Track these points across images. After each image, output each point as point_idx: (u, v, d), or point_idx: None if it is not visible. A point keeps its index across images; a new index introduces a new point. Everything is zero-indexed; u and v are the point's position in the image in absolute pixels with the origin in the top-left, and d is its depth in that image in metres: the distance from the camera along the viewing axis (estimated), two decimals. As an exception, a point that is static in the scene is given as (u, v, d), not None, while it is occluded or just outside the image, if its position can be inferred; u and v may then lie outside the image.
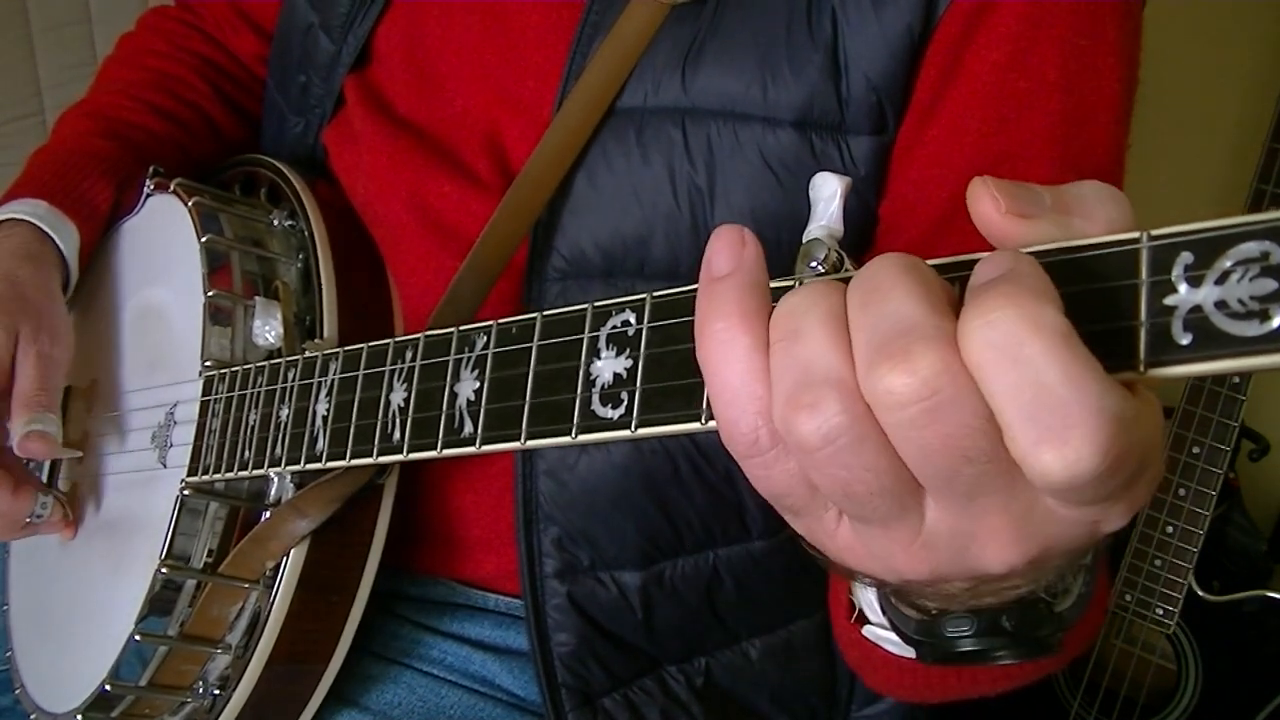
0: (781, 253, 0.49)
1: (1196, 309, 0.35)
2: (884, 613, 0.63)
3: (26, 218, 0.96)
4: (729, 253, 0.45)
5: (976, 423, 0.39)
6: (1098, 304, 0.37)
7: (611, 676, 0.92)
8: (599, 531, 0.89)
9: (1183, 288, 0.36)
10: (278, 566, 0.83)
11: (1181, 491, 1.69)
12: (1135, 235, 0.37)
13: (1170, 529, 1.70)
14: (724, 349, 0.44)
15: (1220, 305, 0.35)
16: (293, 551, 0.83)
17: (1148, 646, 1.79)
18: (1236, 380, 1.64)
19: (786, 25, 0.79)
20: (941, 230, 0.80)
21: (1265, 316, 0.34)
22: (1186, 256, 0.36)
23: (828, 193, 0.48)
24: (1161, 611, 1.73)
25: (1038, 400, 0.37)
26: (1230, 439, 1.66)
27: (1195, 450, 1.67)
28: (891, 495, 0.43)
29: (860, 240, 0.84)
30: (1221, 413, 1.65)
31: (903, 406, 0.39)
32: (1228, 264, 0.35)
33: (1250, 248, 0.34)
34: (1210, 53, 1.93)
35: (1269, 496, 1.93)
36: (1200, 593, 1.72)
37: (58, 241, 0.97)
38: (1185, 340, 0.35)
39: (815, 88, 0.79)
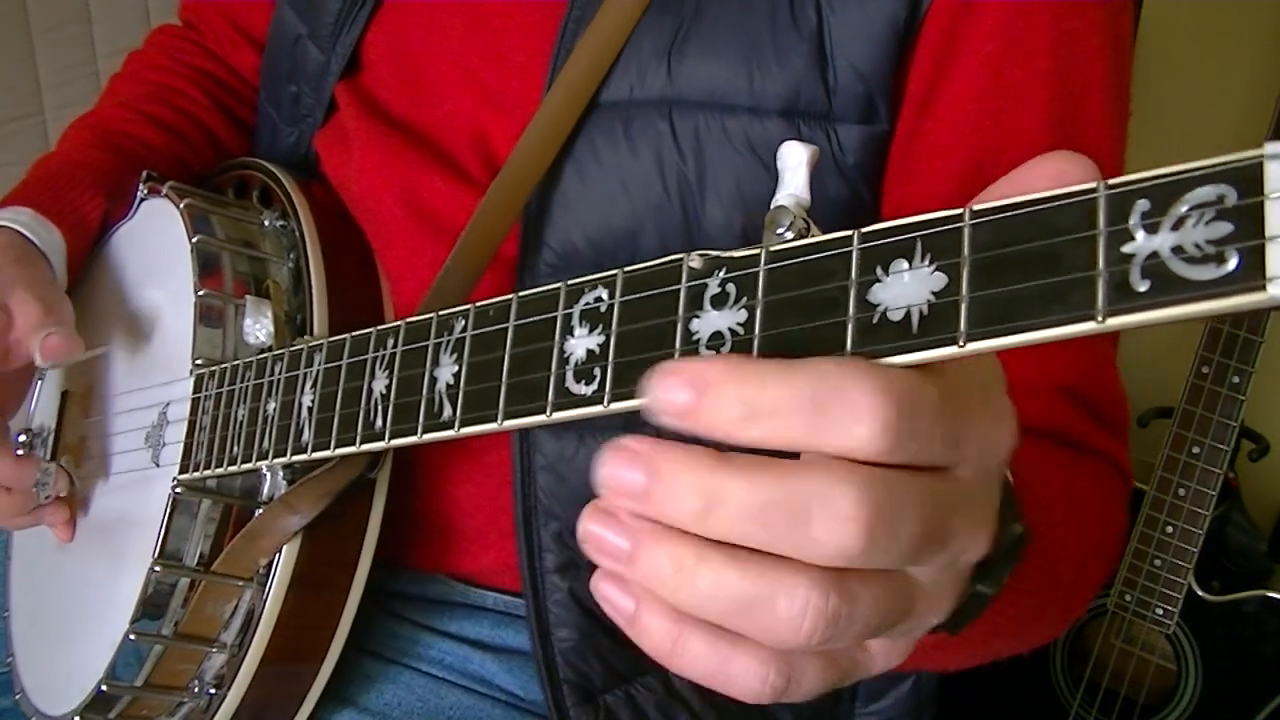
0: None
1: (1154, 255, 0.35)
2: None
3: (9, 224, 0.97)
4: (620, 596, 0.45)
5: (913, 484, 0.41)
6: (1056, 256, 0.37)
7: (613, 673, 0.92)
8: None
9: (1140, 235, 0.35)
10: (270, 564, 0.83)
11: (1181, 491, 1.68)
12: (1092, 185, 0.37)
13: (1170, 529, 1.69)
14: (692, 658, 0.44)
15: (1177, 250, 0.35)
16: (285, 548, 0.83)
17: (1148, 646, 1.78)
18: (1236, 380, 1.64)
19: (770, 14, 0.80)
20: None
21: (1221, 260, 0.34)
22: (1143, 204, 0.35)
23: (794, 161, 0.48)
24: (1161, 611, 1.73)
25: (812, 411, 0.40)
26: (1230, 439, 1.65)
27: (1195, 450, 1.67)
28: (898, 594, 0.44)
29: (850, 229, 0.84)
30: (1221, 413, 1.65)
31: (874, 542, 0.40)
32: (1184, 209, 0.35)
33: (1206, 191, 0.34)
34: (1210, 53, 1.94)
35: (1269, 496, 1.93)
36: (1200, 593, 1.71)
37: (41, 246, 0.97)
38: (1143, 288, 0.35)
39: (801, 77, 0.79)
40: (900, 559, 0.42)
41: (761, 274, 0.46)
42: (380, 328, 0.67)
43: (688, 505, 0.41)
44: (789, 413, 0.40)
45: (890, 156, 0.82)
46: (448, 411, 0.59)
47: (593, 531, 0.45)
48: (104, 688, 0.85)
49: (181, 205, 0.93)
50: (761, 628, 0.42)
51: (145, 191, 1.01)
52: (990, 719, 1.85)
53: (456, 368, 0.59)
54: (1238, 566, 1.74)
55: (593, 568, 0.88)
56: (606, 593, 0.46)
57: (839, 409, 0.39)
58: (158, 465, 0.91)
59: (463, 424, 0.58)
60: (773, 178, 0.80)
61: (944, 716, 1.10)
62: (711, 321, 0.47)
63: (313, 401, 0.72)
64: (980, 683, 1.82)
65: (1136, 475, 1.72)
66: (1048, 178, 0.40)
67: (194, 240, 0.90)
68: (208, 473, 0.83)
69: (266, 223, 0.94)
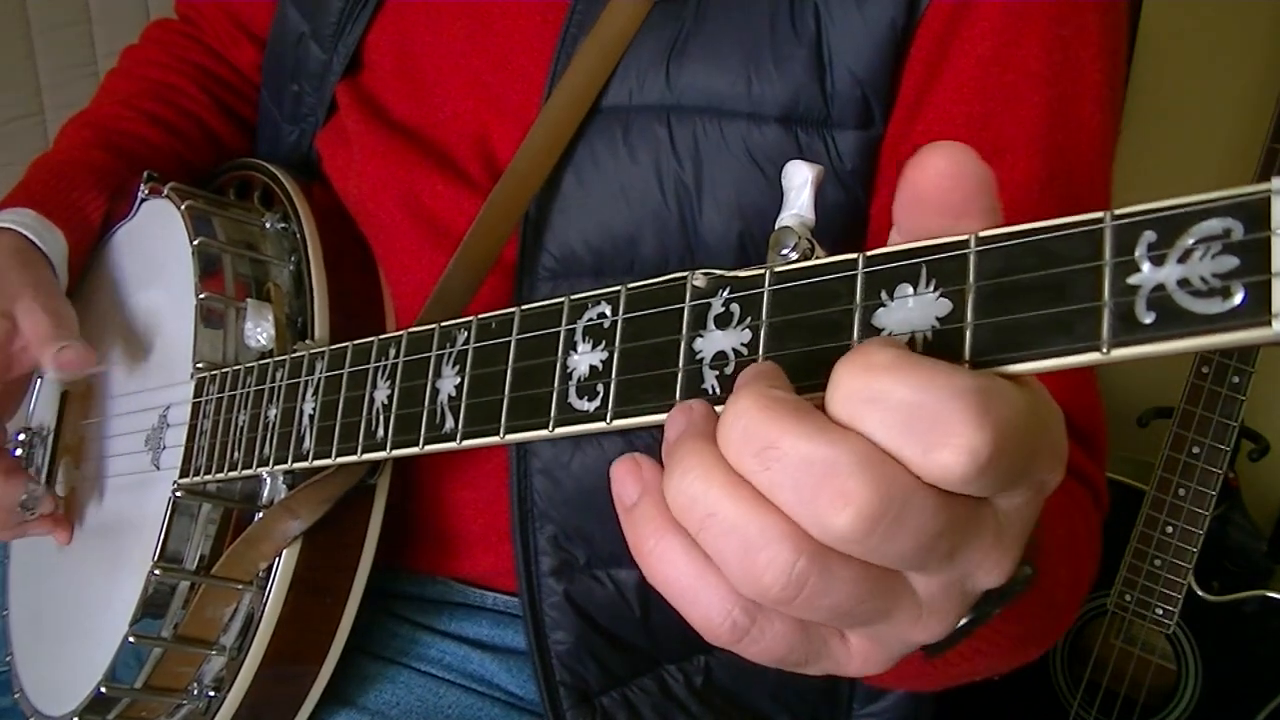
0: None
1: (1159, 288, 0.35)
2: None
3: (12, 226, 0.96)
4: (630, 480, 0.45)
5: (934, 503, 0.39)
6: (1062, 285, 0.37)
7: (610, 675, 0.92)
8: (595, 529, 0.88)
9: (1146, 267, 0.35)
10: (270, 567, 0.83)
11: (1181, 491, 1.68)
12: (1099, 215, 0.37)
13: (1170, 529, 1.70)
14: (665, 561, 0.44)
15: (1183, 283, 0.35)
16: (285, 552, 0.82)
17: (1148, 646, 1.79)
18: (1236, 380, 1.64)
19: (770, 21, 0.79)
20: None
21: (1227, 294, 0.34)
22: (1149, 235, 0.35)
23: (799, 180, 0.48)
24: (1161, 611, 1.73)
25: (907, 419, 0.38)
26: (1230, 439, 1.65)
27: (1195, 450, 1.67)
28: (878, 590, 0.43)
29: (851, 236, 0.84)
30: (1221, 413, 1.65)
31: (866, 538, 0.39)
32: (1190, 242, 0.34)
33: (1213, 225, 0.34)
34: (1210, 52, 1.94)
35: (1269, 496, 1.93)
36: (1200, 593, 1.71)
37: (44, 249, 0.97)
38: (1149, 320, 0.35)
39: (800, 83, 0.79)
40: (895, 561, 0.41)
41: (766, 295, 0.45)
42: (382, 337, 0.67)
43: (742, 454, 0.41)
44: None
45: (880, 158, 0.82)
46: (450, 423, 0.59)
47: (673, 412, 0.45)
48: (103, 689, 0.85)
49: (183, 207, 0.93)
50: (724, 553, 0.41)
51: (146, 192, 1.00)
52: (990, 718, 1.85)
53: (459, 380, 0.59)
54: (1238, 566, 1.74)
55: (589, 570, 0.88)
56: (621, 475, 0.46)
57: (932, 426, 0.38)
58: (157, 468, 0.91)
59: (464, 436, 0.58)
60: (771, 185, 0.80)
61: (942, 717, 1.10)
62: (715, 341, 0.47)
63: (314, 409, 0.72)
64: (979, 683, 1.82)
65: (1136, 475, 1.74)
66: (942, 174, 0.43)
67: (195, 242, 0.90)
68: (208, 477, 0.83)
69: (268, 225, 0.94)
